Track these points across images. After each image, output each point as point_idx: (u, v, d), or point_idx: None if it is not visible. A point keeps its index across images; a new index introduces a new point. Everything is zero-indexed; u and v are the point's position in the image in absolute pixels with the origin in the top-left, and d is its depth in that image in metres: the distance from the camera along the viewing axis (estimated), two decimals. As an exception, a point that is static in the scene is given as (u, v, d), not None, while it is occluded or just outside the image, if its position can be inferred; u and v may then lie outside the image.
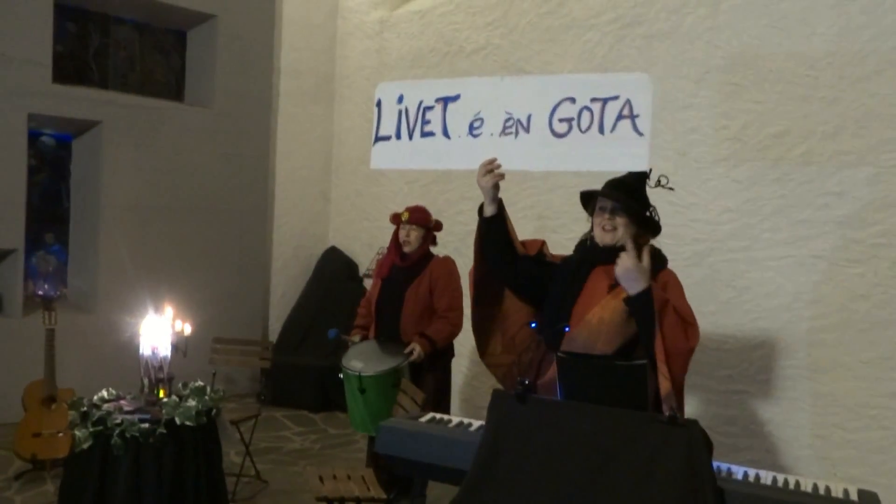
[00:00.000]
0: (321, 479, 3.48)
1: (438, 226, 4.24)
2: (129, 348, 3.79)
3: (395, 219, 4.18)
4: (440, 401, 4.04)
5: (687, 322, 2.39)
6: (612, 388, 2.13)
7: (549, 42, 5.34)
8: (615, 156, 2.47)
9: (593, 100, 2.52)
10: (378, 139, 2.96)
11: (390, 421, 2.61)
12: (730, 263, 4.28)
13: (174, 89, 6.70)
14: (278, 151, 7.02)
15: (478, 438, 2.26)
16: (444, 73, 6.11)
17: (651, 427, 2.03)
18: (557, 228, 5.15)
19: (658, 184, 2.66)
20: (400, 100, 2.90)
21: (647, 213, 2.65)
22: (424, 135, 2.83)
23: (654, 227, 2.68)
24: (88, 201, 6.06)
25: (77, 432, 3.22)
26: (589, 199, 2.78)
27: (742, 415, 4.19)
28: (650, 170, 2.66)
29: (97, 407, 3.35)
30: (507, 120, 2.69)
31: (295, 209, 7.14)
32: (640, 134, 2.50)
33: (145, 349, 3.51)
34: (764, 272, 4.14)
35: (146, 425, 3.23)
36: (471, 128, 2.77)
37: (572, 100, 2.57)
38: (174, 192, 6.26)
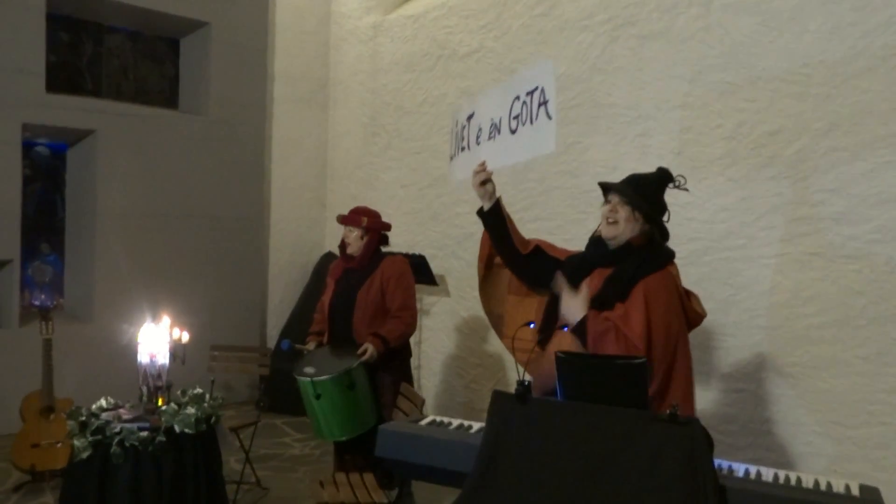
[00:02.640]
0: (321, 484, 3.48)
1: (381, 225, 4.18)
2: (127, 357, 3.79)
3: (337, 219, 4.19)
4: (398, 402, 4.04)
5: (630, 345, 2.46)
6: (612, 387, 2.13)
7: (542, 44, 5.34)
8: (532, 142, 2.67)
9: (528, 94, 2.78)
10: (451, 159, 3.33)
11: (390, 425, 2.61)
12: (727, 262, 4.29)
13: (168, 97, 6.70)
14: (273, 157, 7.02)
15: (478, 440, 2.26)
16: (437, 76, 6.12)
17: (651, 426, 2.03)
18: (554, 230, 5.15)
19: (675, 185, 2.71)
20: (456, 123, 3.26)
21: (652, 211, 2.68)
22: (461, 150, 3.20)
23: (659, 227, 2.71)
24: (84, 210, 6.05)
25: (76, 442, 3.22)
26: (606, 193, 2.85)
27: (742, 413, 4.19)
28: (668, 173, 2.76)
29: (96, 416, 3.35)
30: (491, 125, 2.97)
31: (291, 215, 7.14)
32: (549, 118, 2.76)
33: (143, 357, 3.51)
34: (761, 270, 4.15)
35: (145, 434, 3.23)
36: (477, 138, 3.06)
37: (518, 97, 2.84)
38: (169, 199, 6.26)
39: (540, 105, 2.72)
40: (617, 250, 2.71)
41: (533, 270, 2.91)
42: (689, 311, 2.76)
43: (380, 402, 3.90)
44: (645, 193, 2.70)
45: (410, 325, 4.04)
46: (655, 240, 2.73)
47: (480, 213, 2.99)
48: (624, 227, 2.66)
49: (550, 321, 2.74)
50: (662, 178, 2.78)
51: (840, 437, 3.81)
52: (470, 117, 3.16)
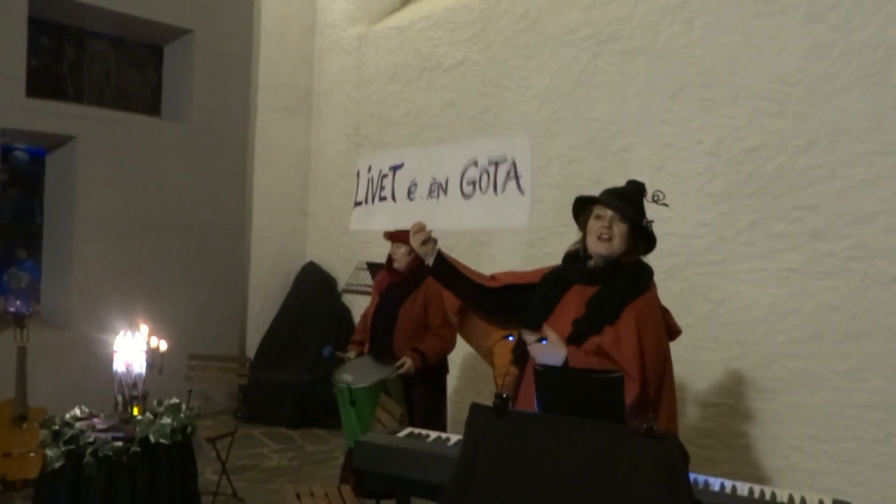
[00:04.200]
0: (298, 496, 3.45)
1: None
2: (103, 365, 3.75)
3: (386, 236, 4.22)
4: (430, 416, 4.04)
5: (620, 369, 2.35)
6: (589, 400, 2.13)
7: (526, 58, 5.39)
8: (504, 214, 2.61)
9: (490, 162, 2.72)
10: (356, 204, 3.26)
11: (367, 436, 2.59)
12: (705, 277, 4.33)
13: (150, 104, 6.67)
14: (256, 166, 6.99)
15: (456, 453, 2.26)
16: (422, 88, 6.14)
17: (628, 440, 2.04)
18: (536, 243, 5.17)
19: (654, 199, 2.66)
20: (369, 169, 3.20)
21: (645, 224, 2.62)
22: (381, 199, 3.14)
23: (649, 240, 2.64)
24: (62, 217, 5.99)
25: (48, 451, 3.17)
26: (582, 209, 2.72)
27: (719, 427, 4.21)
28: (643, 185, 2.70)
29: (69, 425, 3.31)
30: (432, 184, 2.95)
31: (273, 224, 7.11)
32: (522, 193, 2.71)
33: (119, 366, 3.47)
34: (739, 285, 4.18)
35: (120, 444, 3.19)
36: (409, 192, 3.02)
37: (475, 163, 2.78)
38: (150, 207, 6.21)
39: (509, 178, 2.67)
40: (602, 268, 2.61)
41: (507, 303, 2.78)
42: (669, 329, 2.75)
43: (412, 416, 3.92)
44: (636, 208, 2.62)
45: (450, 343, 4.08)
46: (640, 258, 2.67)
47: (428, 270, 2.85)
48: (619, 244, 2.56)
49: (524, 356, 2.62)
50: (640, 191, 2.71)
51: (816, 452, 3.84)
52: (396, 168, 3.13)
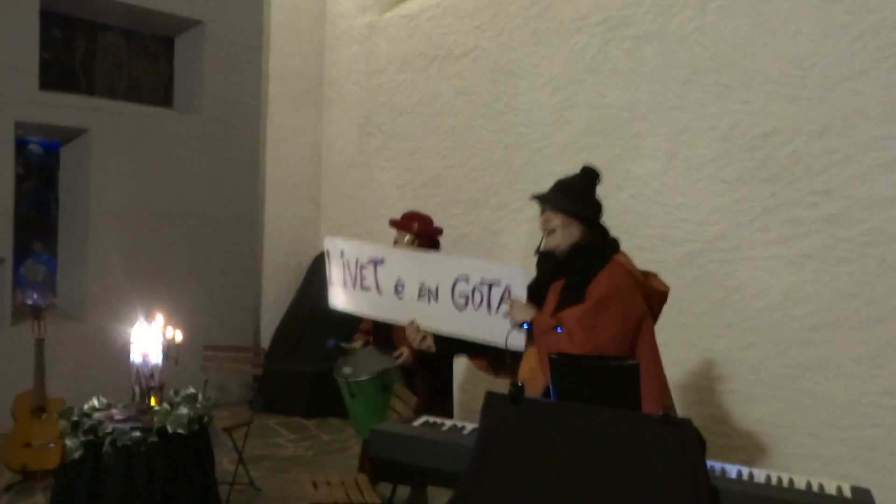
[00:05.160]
0: (315, 485, 3.47)
1: (431, 231, 4.20)
2: (120, 356, 3.78)
3: (391, 223, 4.20)
4: (433, 404, 4.03)
5: (576, 341, 2.55)
6: (605, 388, 2.13)
7: (537, 45, 5.35)
8: (502, 332, 2.71)
9: (483, 282, 2.86)
10: (332, 283, 3.47)
11: (383, 425, 2.60)
12: (720, 264, 4.30)
13: (162, 96, 6.68)
14: (268, 157, 7.00)
15: (471, 441, 2.26)
16: (433, 76, 6.12)
17: (644, 427, 2.03)
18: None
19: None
20: (342, 254, 3.37)
21: (584, 211, 2.75)
22: (364, 288, 3.29)
23: (595, 224, 2.79)
24: (77, 209, 6.03)
25: (68, 442, 3.20)
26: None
27: (735, 414, 4.20)
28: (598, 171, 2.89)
29: (88, 416, 3.33)
30: (421, 287, 3.10)
31: (285, 215, 7.13)
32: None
33: (136, 357, 3.49)
34: (754, 272, 4.16)
35: (137, 434, 3.21)
36: (396, 289, 3.20)
37: (466, 279, 2.94)
38: (163, 199, 6.24)
39: (504, 301, 2.77)
40: (564, 258, 2.77)
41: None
42: (651, 292, 2.80)
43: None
44: (573, 196, 2.76)
45: None
46: (597, 237, 2.81)
47: (438, 355, 3.20)
48: (562, 234, 2.73)
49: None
50: (588, 176, 2.86)
51: (832, 439, 3.83)
52: (377, 262, 3.20)
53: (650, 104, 4.66)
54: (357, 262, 3.32)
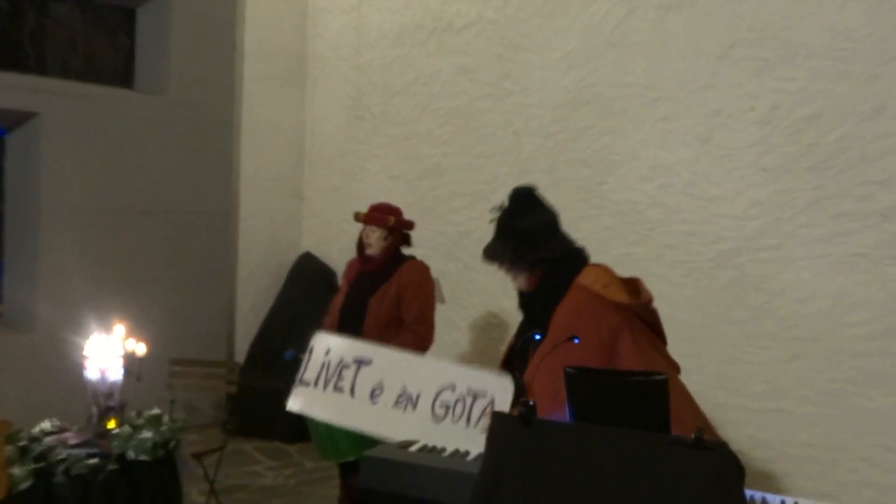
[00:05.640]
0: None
1: (405, 224, 4.23)
2: (75, 373, 3.77)
3: (357, 218, 4.21)
4: None
5: (554, 374, 2.61)
6: (628, 407, 2.12)
7: (549, 16, 5.35)
8: (477, 447, 2.87)
9: (469, 391, 3.06)
10: (299, 381, 3.61)
11: (375, 451, 2.60)
12: (760, 264, 4.30)
13: (122, 75, 6.69)
14: (243, 144, 7.00)
15: (476, 468, 2.26)
16: (431, 52, 6.11)
17: (674, 451, 2.02)
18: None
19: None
20: (327, 352, 3.54)
21: (538, 255, 2.96)
22: (336, 389, 3.43)
23: (549, 261, 2.98)
24: (25, 205, 6.03)
25: (15, 470, 3.19)
26: None
27: (777, 437, 4.20)
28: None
29: (37, 441, 3.33)
30: (401, 395, 3.26)
31: (263, 210, 7.13)
32: None
33: (93, 373, 3.49)
34: (799, 273, 4.15)
35: (94, 461, 3.21)
36: (372, 393, 3.34)
37: (452, 388, 3.12)
38: (124, 193, 6.24)
39: (484, 415, 2.96)
40: (525, 301, 3.08)
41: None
42: (626, 307, 2.83)
43: None
44: (513, 239, 2.99)
45: (425, 341, 4.10)
46: (550, 270, 2.99)
47: None
48: (522, 278, 3.02)
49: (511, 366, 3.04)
50: (517, 201, 3.09)
51: (889, 464, 3.82)
52: (362, 363, 3.38)
53: (679, 82, 4.66)
54: (340, 362, 3.47)
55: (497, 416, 2.26)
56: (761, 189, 4.31)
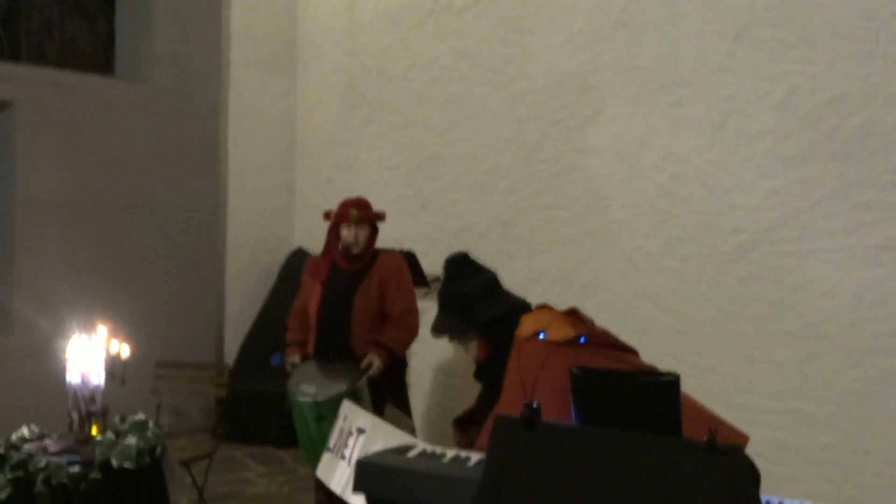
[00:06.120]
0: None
1: (382, 216, 4.30)
2: (55, 377, 3.78)
3: (337, 216, 4.19)
4: (402, 405, 4.14)
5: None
6: (637, 409, 2.14)
7: (555, -6, 5.35)
8: None
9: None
10: (326, 449, 3.58)
11: (371, 456, 2.61)
12: (778, 258, 4.30)
13: (102, 61, 6.69)
14: (231, 134, 7.00)
15: (478, 474, 2.27)
16: (428, 35, 6.11)
17: (685, 455, 2.04)
18: (570, 221, 5.16)
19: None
20: (345, 418, 3.52)
21: (484, 320, 3.17)
22: (341, 457, 3.45)
23: (482, 317, 3.19)
24: (0, 200, 6.04)
25: (-8, 480, 3.21)
26: None
27: (796, 438, 4.21)
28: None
29: (16, 448, 3.34)
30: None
31: (252, 204, 7.13)
32: None
33: (74, 377, 3.50)
34: (819, 267, 4.16)
35: (76, 469, 3.22)
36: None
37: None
38: (105, 185, 6.24)
39: None
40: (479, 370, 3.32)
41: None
42: (576, 334, 2.84)
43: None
44: (456, 309, 3.20)
45: (414, 332, 4.21)
46: (493, 339, 3.16)
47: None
48: (471, 346, 3.24)
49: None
50: (454, 270, 3.28)
51: (915, 468, 3.83)
52: (361, 431, 3.43)
53: (692, 65, 4.66)
54: (349, 427, 3.48)
55: (500, 420, 2.27)
56: (779, 178, 4.31)
